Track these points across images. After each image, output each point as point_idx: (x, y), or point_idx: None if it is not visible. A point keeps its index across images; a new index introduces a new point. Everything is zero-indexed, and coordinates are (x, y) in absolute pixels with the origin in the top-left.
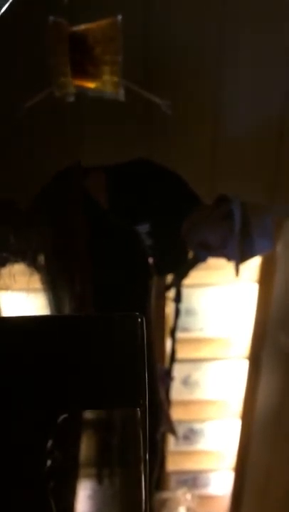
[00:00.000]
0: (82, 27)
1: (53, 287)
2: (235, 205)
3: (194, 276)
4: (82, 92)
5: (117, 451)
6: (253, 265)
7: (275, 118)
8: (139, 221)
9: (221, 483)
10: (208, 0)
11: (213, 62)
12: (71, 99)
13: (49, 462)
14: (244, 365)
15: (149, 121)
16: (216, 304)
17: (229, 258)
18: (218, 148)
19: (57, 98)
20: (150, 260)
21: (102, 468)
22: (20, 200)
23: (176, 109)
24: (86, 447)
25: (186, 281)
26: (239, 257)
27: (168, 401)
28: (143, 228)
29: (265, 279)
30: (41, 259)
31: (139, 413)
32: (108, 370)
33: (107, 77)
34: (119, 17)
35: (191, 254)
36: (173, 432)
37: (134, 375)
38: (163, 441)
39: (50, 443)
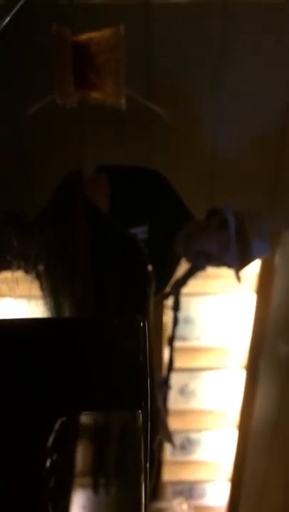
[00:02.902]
0: (85, 36)
1: (53, 293)
2: (228, 214)
3: (193, 285)
4: (83, 100)
5: (114, 460)
6: (251, 275)
7: (275, 129)
8: (136, 225)
9: (217, 493)
10: (209, 12)
11: (213, 73)
12: (73, 106)
13: (48, 462)
14: (241, 375)
15: (150, 131)
16: (214, 313)
17: (229, 266)
18: (217, 159)
19: (59, 105)
20: (149, 268)
21: (99, 477)
22: (30, 212)
23: (177, 120)
24: (83, 455)
25: (185, 289)
26: (238, 263)
27: (165, 409)
28: (140, 232)
29: (263, 288)
30: (43, 264)
31: (140, 416)
32: (110, 372)
33: (109, 87)
34: (122, 27)
35: (188, 264)
36: (170, 440)
37: (136, 377)
38: (160, 450)
39: (50, 443)
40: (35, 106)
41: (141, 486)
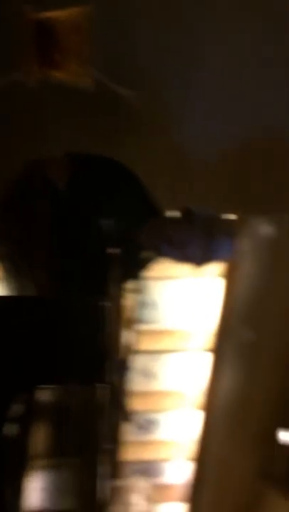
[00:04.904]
0: (51, 14)
1: (16, 275)
2: (194, 208)
3: (156, 269)
4: (47, 80)
5: (73, 441)
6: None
7: (242, 130)
8: (97, 215)
9: (175, 472)
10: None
11: (181, 63)
12: (34, 85)
13: (5, 441)
14: (203, 358)
15: (115, 116)
16: (177, 297)
17: (190, 260)
18: (184, 150)
19: (21, 84)
20: (114, 251)
21: (58, 458)
22: None
23: (143, 109)
24: (42, 436)
25: (148, 273)
26: (200, 257)
27: (125, 391)
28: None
29: (229, 274)
30: (4, 246)
31: (99, 391)
32: (70, 350)
33: (73, 66)
34: (89, 6)
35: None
36: (128, 420)
37: (95, 355)
38: (118, 430)
39: (7, 421)
40: None
41: (100, 466)
